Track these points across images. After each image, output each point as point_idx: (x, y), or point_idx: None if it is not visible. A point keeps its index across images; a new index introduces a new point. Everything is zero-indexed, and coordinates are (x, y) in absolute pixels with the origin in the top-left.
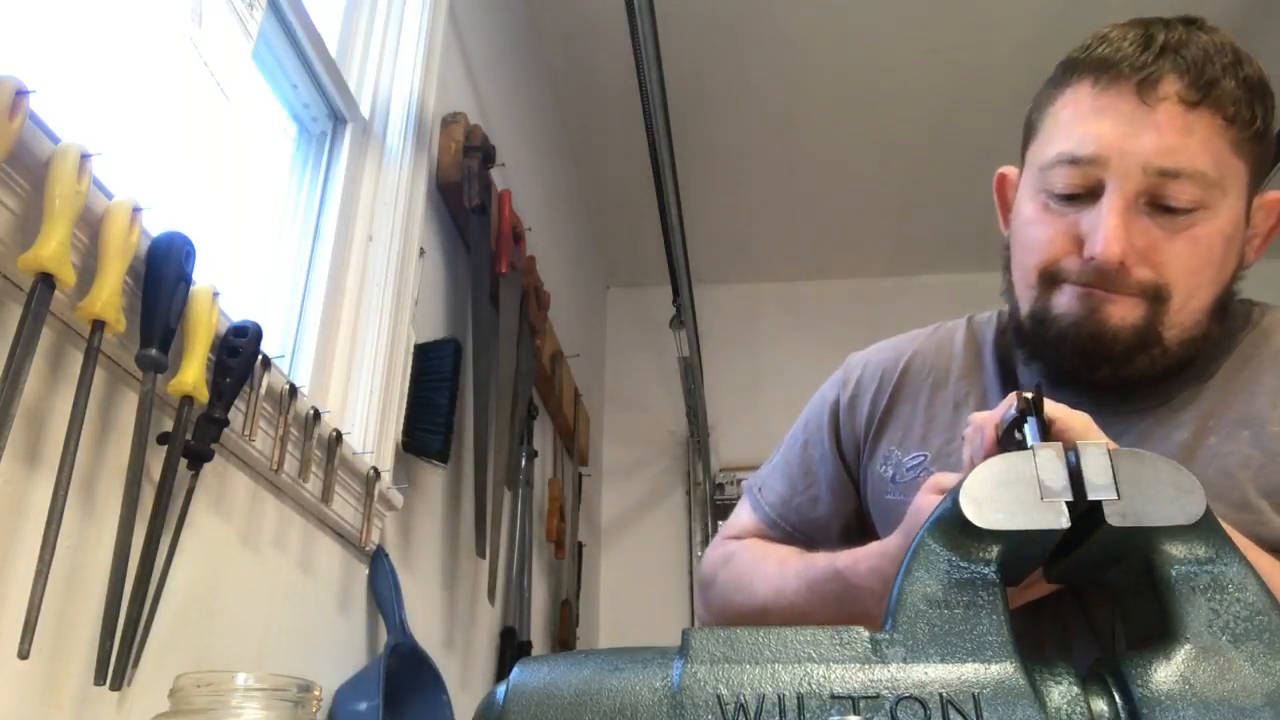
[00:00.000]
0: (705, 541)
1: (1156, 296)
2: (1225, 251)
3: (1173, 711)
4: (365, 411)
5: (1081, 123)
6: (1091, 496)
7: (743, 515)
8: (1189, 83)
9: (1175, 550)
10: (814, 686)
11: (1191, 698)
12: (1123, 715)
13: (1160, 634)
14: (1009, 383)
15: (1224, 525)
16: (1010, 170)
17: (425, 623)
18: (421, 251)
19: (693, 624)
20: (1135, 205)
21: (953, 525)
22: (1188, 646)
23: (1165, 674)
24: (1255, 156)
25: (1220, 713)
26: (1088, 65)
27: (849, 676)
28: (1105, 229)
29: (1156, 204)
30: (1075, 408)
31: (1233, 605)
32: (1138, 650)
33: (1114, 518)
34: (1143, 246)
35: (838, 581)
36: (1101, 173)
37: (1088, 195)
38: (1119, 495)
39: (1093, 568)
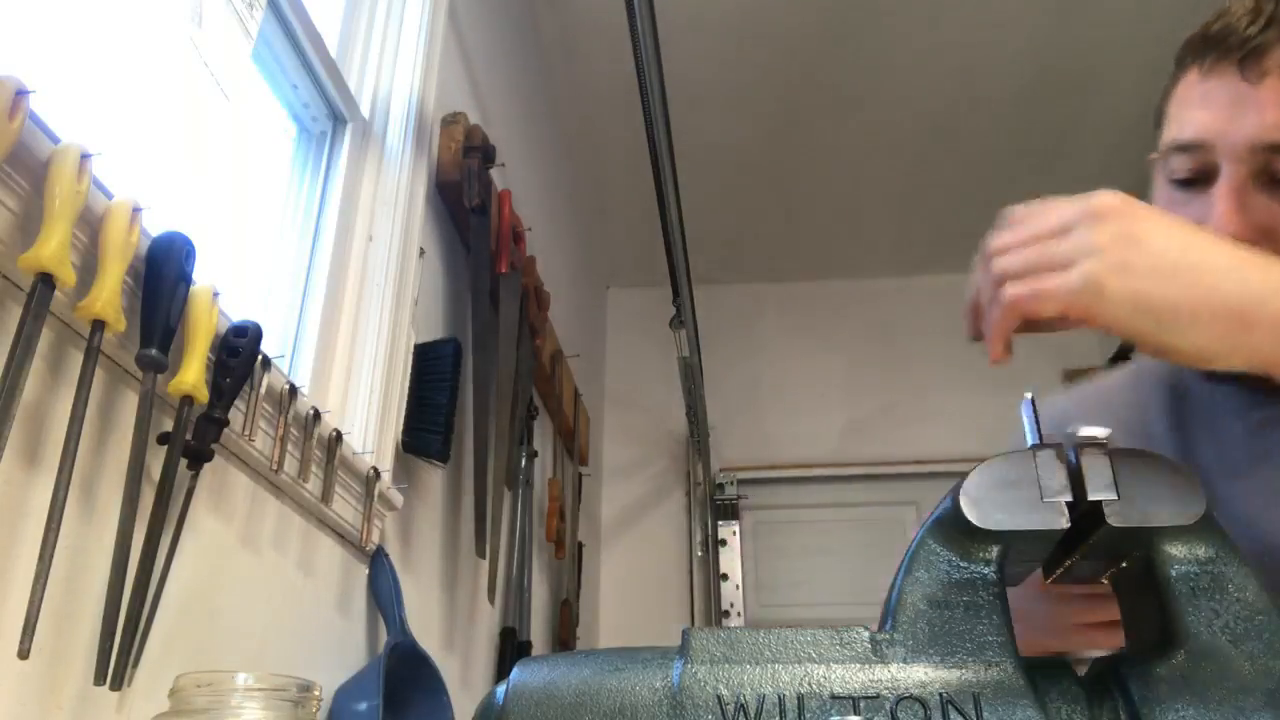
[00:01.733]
0: (705, 541)
1: None
2: None
3: (1173, 712)
4: (365, 411)
5: (1187, 109)
6: (1092, 497)
7: None
8: None
9: (1175, 550)
10: (814, 687)
11: (1191, 698)
12: (1123, 716)
13: (1160, 634)
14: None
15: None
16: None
17: (425, 623)
18: (421, 251)
19: (693, 623)
20: (1249, 185)
21: (953, 525)
22: (1188, 646)
23: (1165, 675)
24: None
25: (1220, 713)
26: (1198, 45)
27: (849, 676)
28: (1217, 214)
29: (1275, 178)
30: (1226, 396)
31: (1233, 605)
32: (1138, 651)
33: (1114, 518)
34: (1264, 223)
35: None
36: (1210, 156)
37: (1205, 179)
38: (1119, 495)
39: (1093, 568)
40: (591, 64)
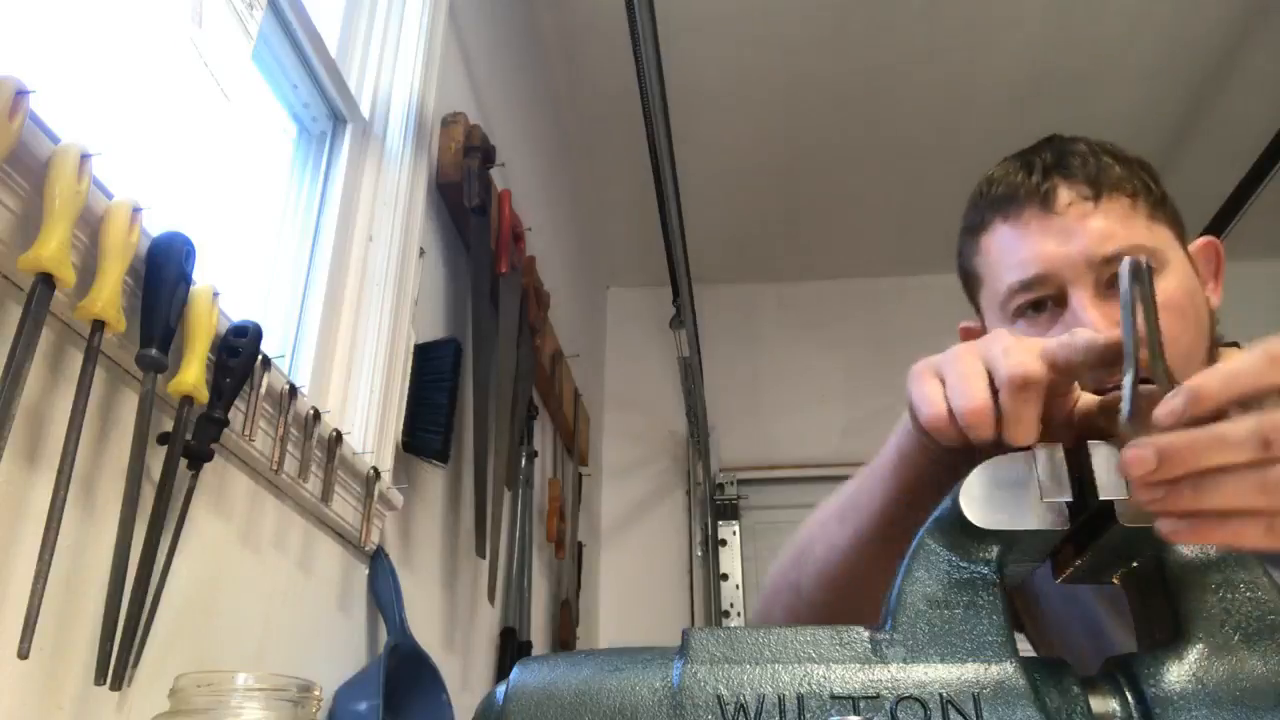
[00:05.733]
0: (705, 541)
1: None
2: (1192, 304)
3: (1185, 711)
4: (365, 411)
5: (1013, 253)
6: (1102, 496)
7: None
8: (1081, 181)
9: (1186, 549)
10: (814, 686)
11: (1204, 697)
12: (1135, 715)
13: (1172, 633)
14: None
15: None
16: (972, 324)
17: (425, 623)
18: (421, 251)
19: (693, 623)
20: (1100, 292)
21: (953, 525)
22: (1199, 646)
23: (1177, 673)
24: (1170, 217)
25: (1233, 712)
26: (992, 205)
27: (849, 676)
28: (1088, 322)
29: (1114, 285)
30: None
31: (1244, 604)
32: (1149, 650)
33: (1125, 517)
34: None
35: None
36: (1056, 284)
37: (1055, 304)
38: (1129, 494)
39: (1104, 567)
40: (591, 64)
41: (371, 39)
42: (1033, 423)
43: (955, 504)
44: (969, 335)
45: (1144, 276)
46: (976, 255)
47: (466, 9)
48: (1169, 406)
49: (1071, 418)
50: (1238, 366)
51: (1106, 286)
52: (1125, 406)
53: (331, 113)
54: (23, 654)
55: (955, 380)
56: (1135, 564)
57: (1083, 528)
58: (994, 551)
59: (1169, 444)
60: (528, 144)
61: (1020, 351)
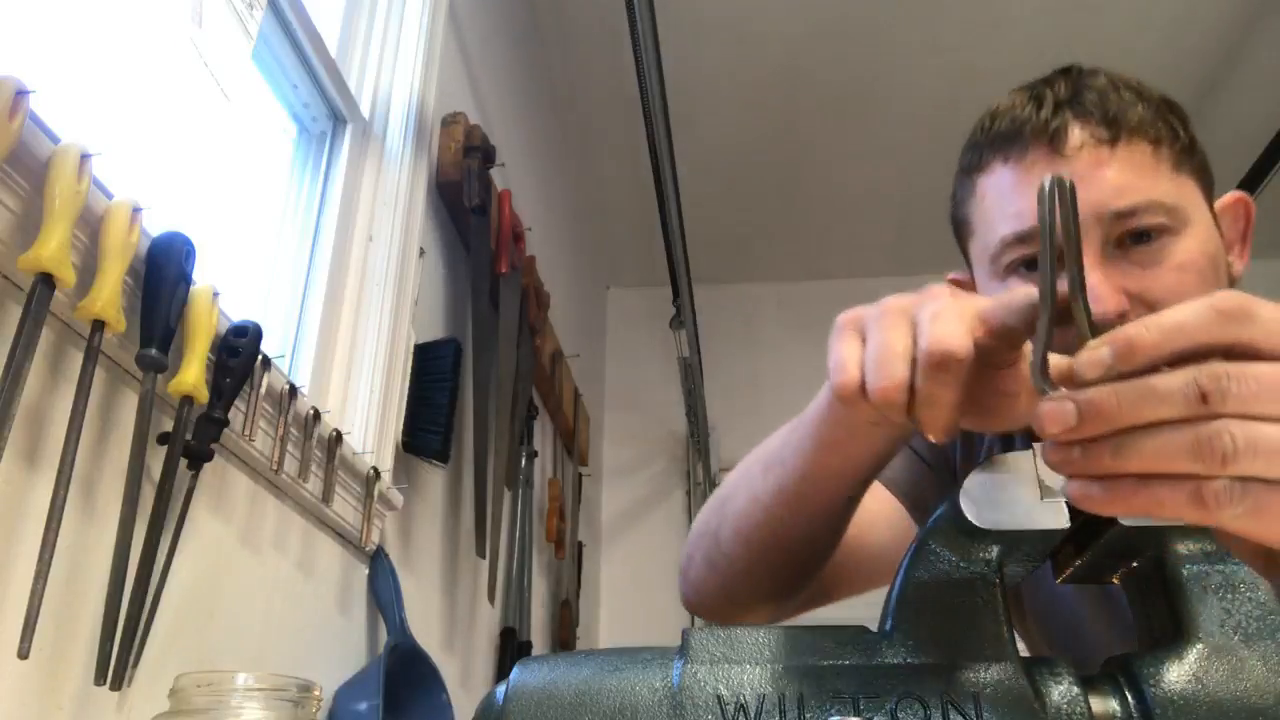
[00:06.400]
0: None
1: None
2: (1213, 270)
3: (1186, 711)
4: (365, 411)
5: (1011, 201)
6: None
7: None
8: (1097, 122)
9: (1186, 549)
10: (814, 687)
11: (1204, 697)
12: (1135, 715)
13: (1172, 633)
14: None
15: None
16: (960, 275)
17: (425, 623)
18: (421, 251)
19: (692, 624)
20: (1107, 252)
21: (952, 525)
22: (1200, 646)
23: (1178, 674)
24: (1197, 169)
25: (1233, 713)
26: (992, 144)
27: (849, 676)
28: (1089, 288)
29: (1126, 242)
30: None
31: (1244, 605)
32: (1149, 650)
33: (1125, 517)
34: (1135, 290)
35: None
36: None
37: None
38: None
39: (1104, 567)
40: (591, 64)
41: (371, 39)
42: (947, 408)
43: (955, 504)
44: (958, 288)
45: (1067, 196)
46: (970, 199)
47: (466, 9)
48: (1094, 357)
49: (1021, 390)
50: (1180, 319)
51: (1116, 246)
52: (1037, 356)
53: (331, 113)
54: (23, 654)
55: (874, 348)
56: (1135, 564)
57: (1083, 528)
58: (994, 551)
59: (1091, 399)
60: (528, 144)
61: (948, 320)
